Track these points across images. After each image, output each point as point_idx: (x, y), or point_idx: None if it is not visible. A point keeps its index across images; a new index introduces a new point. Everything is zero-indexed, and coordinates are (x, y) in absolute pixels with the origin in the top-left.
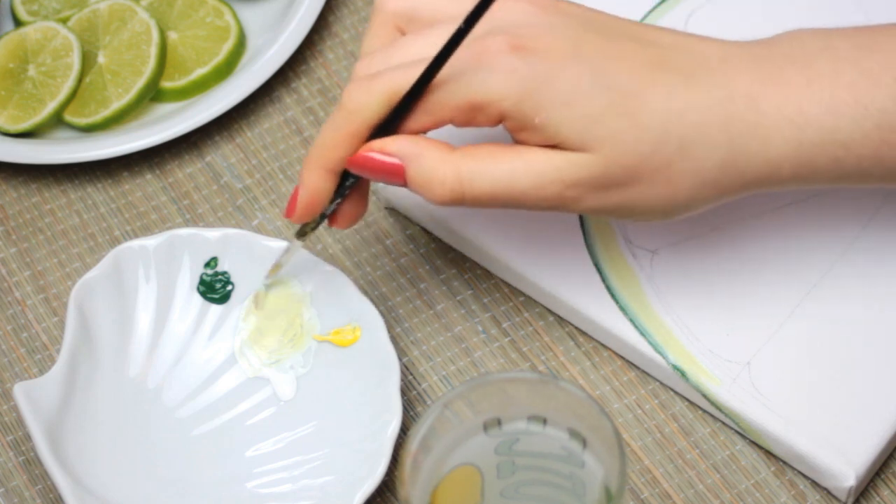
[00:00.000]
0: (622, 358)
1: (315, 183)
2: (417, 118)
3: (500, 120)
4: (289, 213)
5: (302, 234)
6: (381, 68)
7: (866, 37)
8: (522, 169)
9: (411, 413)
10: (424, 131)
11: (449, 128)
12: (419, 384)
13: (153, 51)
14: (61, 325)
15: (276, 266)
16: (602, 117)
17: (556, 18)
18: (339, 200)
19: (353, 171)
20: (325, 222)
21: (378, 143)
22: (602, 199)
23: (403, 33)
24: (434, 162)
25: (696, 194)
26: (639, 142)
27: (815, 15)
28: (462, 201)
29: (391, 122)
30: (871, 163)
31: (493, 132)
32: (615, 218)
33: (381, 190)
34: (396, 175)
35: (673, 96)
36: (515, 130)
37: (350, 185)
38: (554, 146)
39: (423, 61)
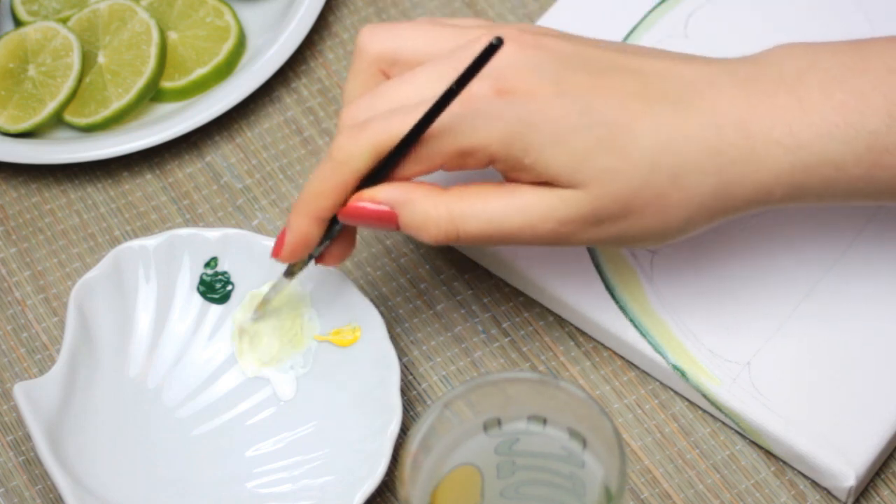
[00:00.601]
0: (622, 358)
1: (303, 229)
2: (408, 166)
3: (490, 163)
4: (276, 253)
5: (290, 272)
6: (367, 116)
7: (853, 54)
8: (515, 208)
9: (411, 413)
10: (414, 177)
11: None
12: (419, 384)
13: (153, 51)
14: (61, 325)
15: (265, 302)
16: (591, 154)
17: (538, 56)
18: (326, 243)
19: (345, 221)
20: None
21: (368, 193)
22: (596, 232)
23: (387, 76)
24: (425, 206)
25: (688, 221)
26: (629, 176)
27: (814, 15)
28: (457, 241)
29: (381, 170)
30: (864, 183)
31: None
32: (612, 247)
33: None
34: (389, 222)
35: (661, 127)
36: (506, 171)
37: (338, 229)
38: (545, 183)
39: (410, 108)
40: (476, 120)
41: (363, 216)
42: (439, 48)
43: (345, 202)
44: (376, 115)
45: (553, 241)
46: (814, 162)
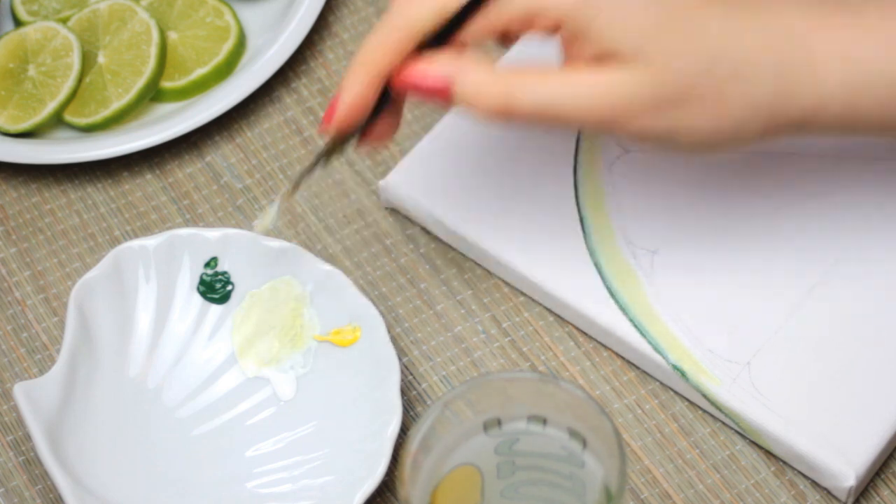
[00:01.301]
0: (622, 358)
1: (358, 90)
2: (473, 27)
3: (555, 28)
4: (326, 121)
5: (328, 155)
6: None
7: None
8: (573, 85)
9: (411, 413)
10: (478, 40)
11: None
12: (419, 384)
13: (153, 51)
14: (61, 325)
15: (294, 186)
16: (658, 31)
17: None
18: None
19: (400, 89)
20: (355, 142)
21: (424, 63)
22: (651, 120)
23: None
24: (482, 76)
25: (743, 122)
26: (693, 60)
27: None
28: (510, 115)
29: (444, 32)
30: None
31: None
32: (660, 147)
33: (382, 190)
34: (443, 95)
35: (729, 20)
36: (568, 41)
37: (387, 100)
38: (605, 61)
39: None
40: None
41: (418, 86)
42: None
43: (400, 68)
44: None
45: (608, 123)
46: (869, 81)
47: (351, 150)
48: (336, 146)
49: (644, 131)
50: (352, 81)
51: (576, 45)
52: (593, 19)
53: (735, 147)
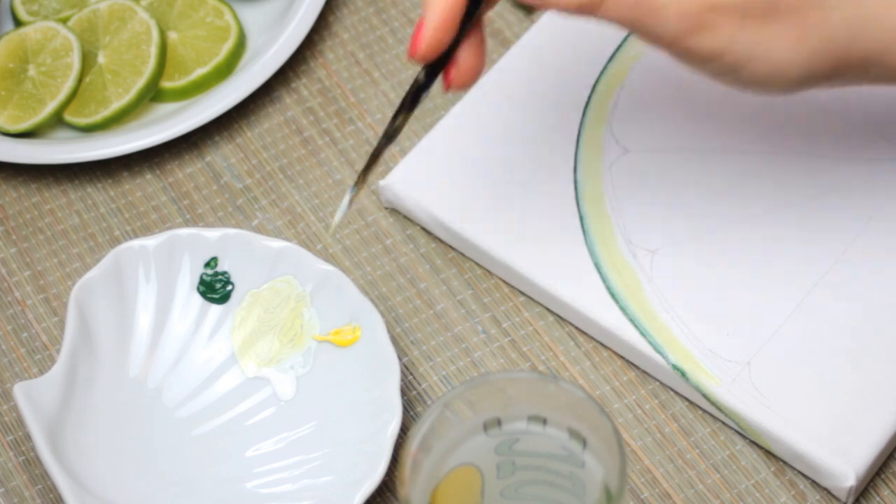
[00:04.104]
0: (622, 358)
1: (442, 5)
2: None
3: None
4: (413, 49)
5: (392, 134)
6: None
7: None
8: None
9: (411, 413)
10: None
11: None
12: (419, 384)
13: (153, 51)
14: (61, 325)
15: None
16: None
17: None
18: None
19: None
20: (441, 83)
21: None
22: (736, 30)
23: None
24: None
25: (817, 54)
26: None
27: None
28: (597, 6)
29: None
30: None
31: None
32: (731, 71)
33: (382, 190)
34: None
35: None
36: None
37: (472, 15)
38: None
39: None
40: None
41: None
42: None
43: None
44: None
45: (695, 26)
46: None
47: (431, 91)
48: (423, 84)
49: (726, 42)
50: (434, 2)
51: None
52: None
53: (800, 88)
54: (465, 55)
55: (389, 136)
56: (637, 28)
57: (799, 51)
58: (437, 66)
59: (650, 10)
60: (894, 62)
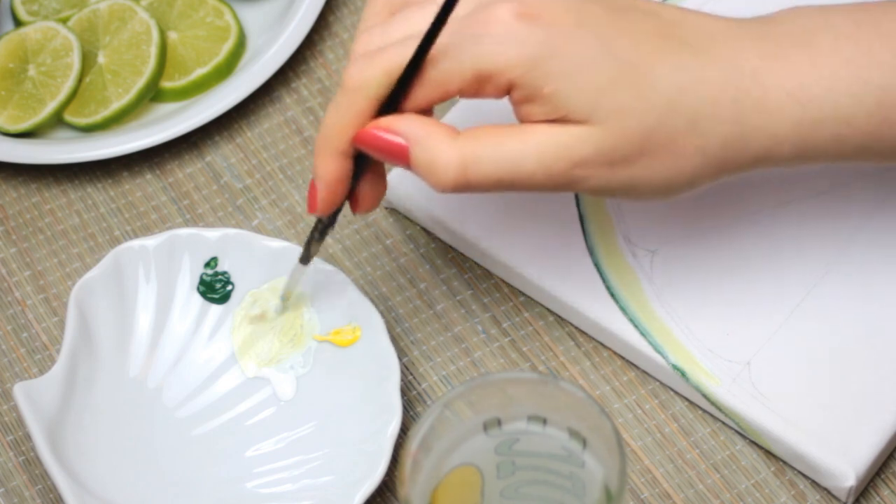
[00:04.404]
0: (622, 358)
1: (330, 170)
2: (425, 91)
3: (507, 90)
4: (311, 207)
5: (307, 258)
6: (380, 44)
7: (864, 13)
8: (528, 149)
9: (411, 413)
10: (432, 104)
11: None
12: (419, 384)
13: (153, 51)
14: (61, 325)
15: (287, 294)
16: (610, 89)
17: None
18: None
19: (359, 147)
20: (348, 208)
21: (385, 121)
22: (608, 175)
23: None
24: (439, 145)
25: (700, 170)
26: (646, 115)
27: None
28: (466, 187)
29: (396, 97)
30: (873, 139)
31: (495, 114)
32: (619, 197)
33: None
34: (400, 156)
35: (680, 69)
36: (521, 102)
37: (362, 168)
38: (558, 120)
39: (423, 33)
40: (499, 42)
41: (376, 146)
42: None
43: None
44: (388, 43)
45: (565, 183)
46: (824, 116)
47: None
48: (327, 223)
49: (602, 186)
50: (321, 163)
51: (527, 106)
52: (545, 83)
53: (691, 190)
54: (363, 190)
55: (304, 260)
56: (513, 190)
57: (677, 173)
58: (338, 208)
59: (519, 179)
60: (783, 158)
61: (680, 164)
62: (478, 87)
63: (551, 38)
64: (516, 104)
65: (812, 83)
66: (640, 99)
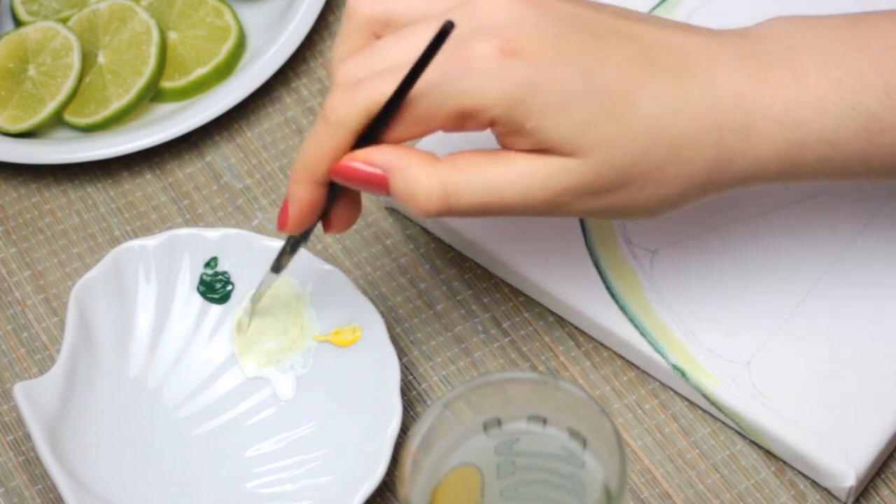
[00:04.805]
0: (622, 358)
1: (303, 196)
2: (405, 127)
3: (489, 125)
4: (281, 225)
5: (278, 268)
6: (362, 75)
7: (851, 30)
8: (510, 178)
9: (411, 413)
10: (413, 138)
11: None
12: (419, 384)
13: (153, 51)
14: (61, 325)
15: (257, 298)
16: (593, 123)
17: (540, 16)
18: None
19: (337, 180)
20: (321, 228)
21: (362, 154)
22: (591, 203)
23: (378, 37)
24: (419, 173)
25: (683, 195)
26: (629, 146)
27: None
28: (449, 213)
29: (375, 130)
30: (858, 161)
31: (478, 136)
32: (603, 218)
33: None
34: (380, 186)
35: (661, 98)
36: (504, 136)
37: (337, 192)
38: (542, 151)
39: (405, 66)
40: (480, 80)
41: (355, 178)
42: (432, 7)
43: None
44: (370, 75)
45: (547, 211)
46: (810, 139)
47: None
48: (298, 239)
49: (585, 211)
50: (295, 188)
51: (510, 139)
52: (527, 119)
53: (677, 210)
54: (337, 213)
55: (276, 269)
56: (495, 215)
57: (664, 197)
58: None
59: (501, 206)
60: (768, 178)
61: (664, 190)
62: (459, 124)
63: (533, 73)
64: (498, 136)
65: (798, 106)
66: (624, 131)
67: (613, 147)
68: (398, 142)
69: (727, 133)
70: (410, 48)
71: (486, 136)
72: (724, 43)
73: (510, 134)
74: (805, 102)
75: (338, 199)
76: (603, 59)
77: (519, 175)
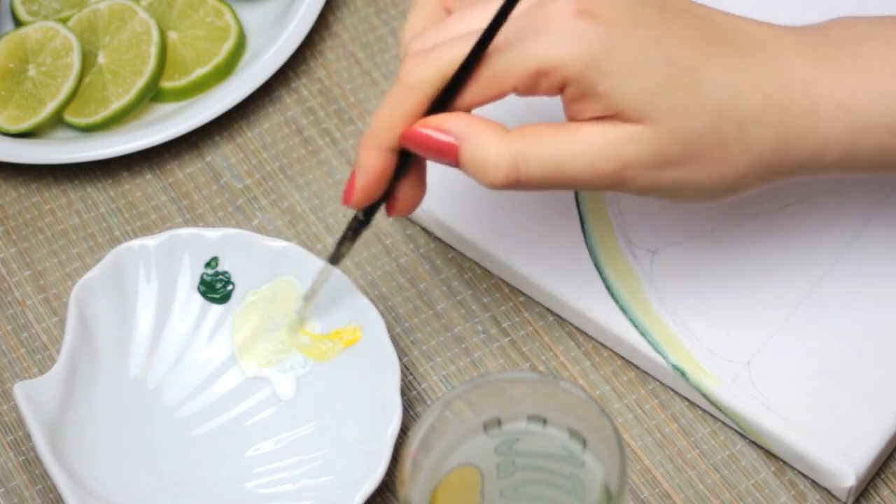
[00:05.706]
0: (622, 358)
1: (373, 163)
2: (480, 88)
3: (562, 87)
4: (346, 198)
5: (337, 258)
6: (436, 42)
7: None
8: (581, 147)
9: (411, 413)
10: (487, 102)
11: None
12: (419, 384)
13: (153, 51)
14: (61, 325)
15: (311, 294)
16: (663, 90)
17: None
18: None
19: (407, 146)
20: (385, 211)
21: (434, 120)
22: (656, 177)
23: (450, 13)
24: (489, 143)
25: (746, 175)
26: (697, 117)
27: (820, 14)
28: (517, 185)
29: (448, 95)
30: None
31: (544, 111)
32: (664, 198)
33: None
34: (449, 154)
35: (729, 74)
36: (574, 99)
37: (404, 169)
38: (609, 119)
39: (479, 33)
40: (557, 38)
41: (426, 145)
42: None
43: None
44: (444, 40)
45: (615, 183)
46: (870, 125)
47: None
48: (362, 220)
49: (649, 186)
50: (365, 156)
51: (580, 104)
52: (600, 81)
53: (736, 195)
54: (403, 191)
55: (334, 260)
56: (562, 188)
57: (724, 177)
58: (375, 204)
59: (568, 178)
60: (827, 166)
61: (727, 167)
62: (533, 84)
63: (608, 36)
64: (568, 101)
65: (861, 92)
66: (693, 101)
67: (682, 116)
68: (471, 107)
69: (791, 114)
70: (484, 16)
71: (553, 112)
72: (792, 33)
73: (581, 98)
74: (866, 89)
75: (404, 176)
76: (675, 34)
77: (590, 143)
